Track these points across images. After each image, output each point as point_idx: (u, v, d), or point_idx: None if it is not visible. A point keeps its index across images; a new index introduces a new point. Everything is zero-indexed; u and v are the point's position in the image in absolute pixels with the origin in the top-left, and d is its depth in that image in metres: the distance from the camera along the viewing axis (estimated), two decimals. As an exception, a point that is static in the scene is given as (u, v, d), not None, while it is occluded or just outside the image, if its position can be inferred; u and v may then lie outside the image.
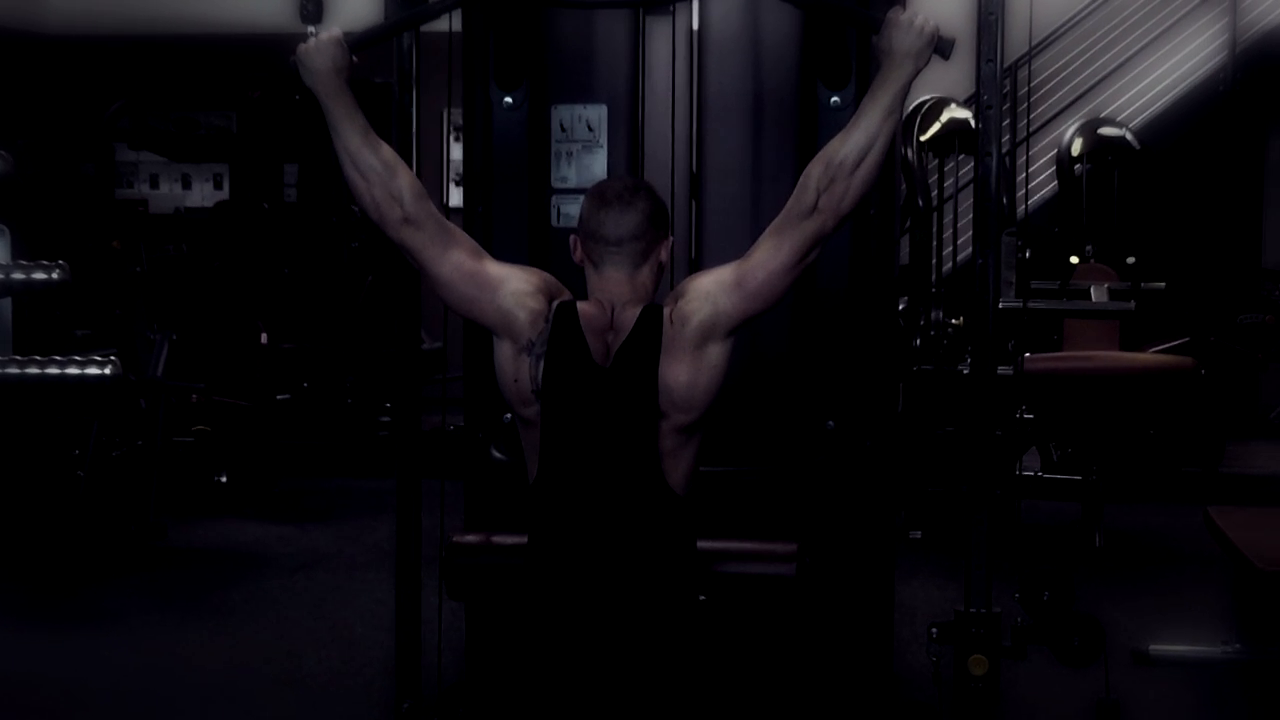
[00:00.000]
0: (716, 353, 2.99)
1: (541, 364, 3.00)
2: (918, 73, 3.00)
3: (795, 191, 3.00)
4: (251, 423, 8.01)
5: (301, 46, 3.05)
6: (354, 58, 3.09)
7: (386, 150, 3.07)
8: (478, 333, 3.87)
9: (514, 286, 3.05)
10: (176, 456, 7.43)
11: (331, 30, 3.08)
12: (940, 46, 3.01)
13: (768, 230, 3.02)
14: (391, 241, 3.10)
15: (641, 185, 3.16)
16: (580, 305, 3.06)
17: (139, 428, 6.80)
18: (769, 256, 2.99)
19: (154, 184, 11.28)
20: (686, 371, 2.98)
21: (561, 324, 3.02)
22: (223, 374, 8.13)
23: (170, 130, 10.90)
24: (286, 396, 8.57)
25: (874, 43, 3.01)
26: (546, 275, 3.13)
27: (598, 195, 3.10)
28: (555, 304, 3.04)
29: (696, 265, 3.98)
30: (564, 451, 3.02)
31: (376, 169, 3.04)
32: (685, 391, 2.98)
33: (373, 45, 3.19)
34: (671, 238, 3.17)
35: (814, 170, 2.99)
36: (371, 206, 3.07)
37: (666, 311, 3.02)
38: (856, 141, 2.97)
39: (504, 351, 3.04)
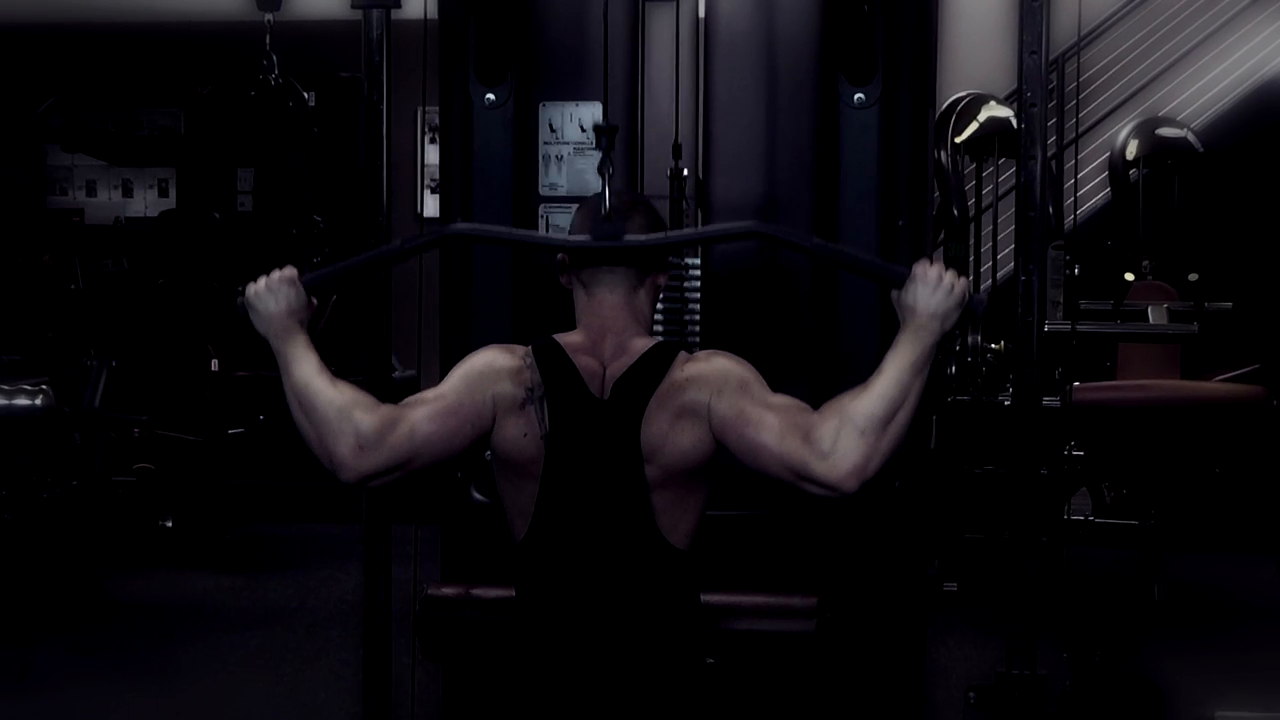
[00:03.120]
0: (695, 435, 3.00)
1: (545, 405, 3.02)
2: (944, 333, 2.96)
3: (805, 428, 2.91)
4: (200, 460, 8.01)
5: (250, 288, 3.09)
6: (312, 299, 3.11)
7: (343, 388, 3.04)
8: (455, 361, 3.89)
9: (476, 373, 3.07)
10: (116, 498, 7.43)
11: (285, 270, 3.11)
12: (972, 305, 2.98)
13: (784, 409, 2.96)
14: (357, 481, 3.05)
15: (638, 198, 3.20)
16: (562, 337, 3.10)
17: (74, 465, 6.80)
18: (768, 439, 2.93)
19: (91, 191, 11.30)
20: (665, 424, 3.01)
21: (548, 362, 3.06)
22: (168, 405, 8.13)
23: (109, 130, 10.92)
24: (240, 430, 8.58)
25: (894, 298, 3.00)
26: (491, 346, 3.16)
27: (589, 209, 3.13)
28: (529, 348, 3.08)
29: (703, 284, 3.99)
30: (561, 500, 3.04)
31: (328, 411, 3.00)
32: (655, 441, 3.01)
33: (331, 287, 3.19)
34: (671, 257, 3.19)
35: (826, 424, 2.89)
36: (321, 451, 3.04)
37: (681, 357, 3.05)
38: (886, 396, 2.90)
39: (506, 423, 3.05)
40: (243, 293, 3.12)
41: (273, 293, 3.09)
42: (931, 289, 2.94)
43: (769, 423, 2.94)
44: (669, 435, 3.00)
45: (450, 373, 3.11)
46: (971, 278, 7.58)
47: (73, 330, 7.27)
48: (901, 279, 2.98)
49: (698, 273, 3.98)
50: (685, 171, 4.01)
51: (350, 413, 3.00)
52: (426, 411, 3.03)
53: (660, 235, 3.13)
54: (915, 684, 4.15)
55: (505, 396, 3.05)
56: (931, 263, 2.98)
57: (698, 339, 3.99)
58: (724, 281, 4.02)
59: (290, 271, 3.11)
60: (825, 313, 3.99)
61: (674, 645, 3.05)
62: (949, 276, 2.95)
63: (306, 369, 3.04)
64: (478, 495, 4.06)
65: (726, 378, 3.01)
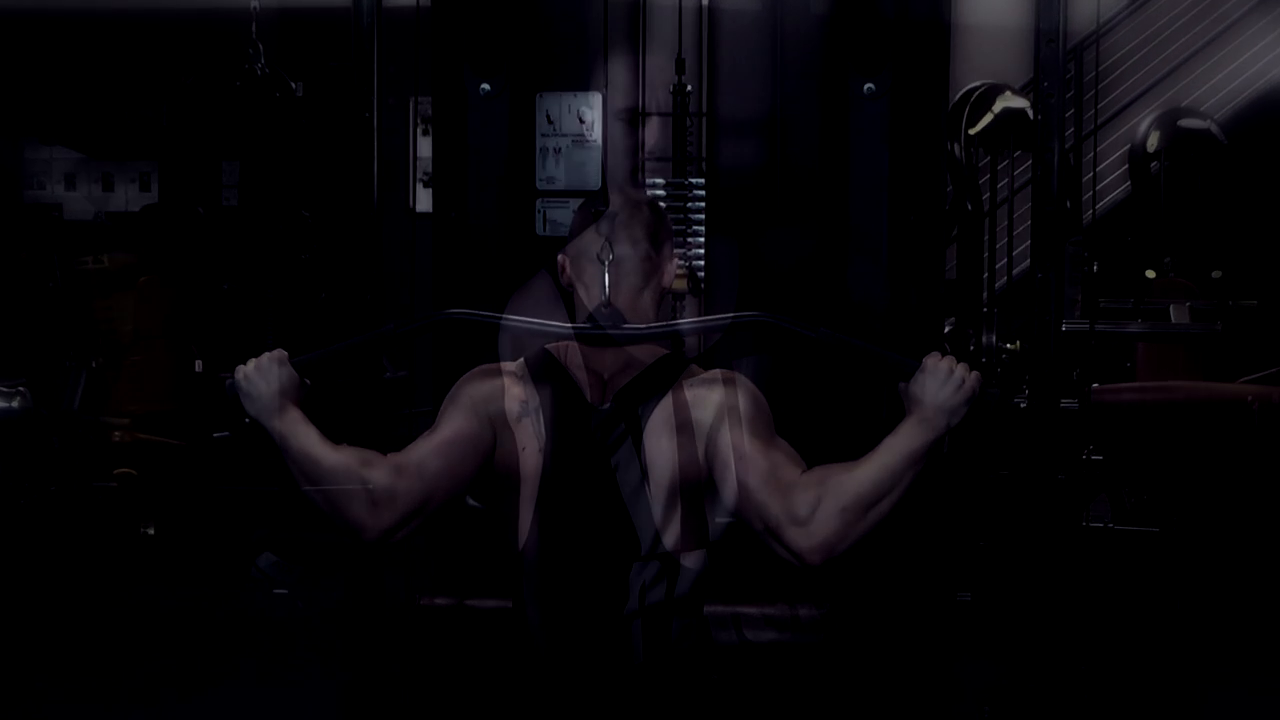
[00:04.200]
0: (692, 453, 3.02)
1: (541, 417, 3.04)
2: (950, 429, 2.94)
3: (788, 486, 2.92)
4: (184, 465, 8.01)
5: (240, 370, 3.10)
6: (305, 380, 3.12)
7: (346, 450, 3.06)
8: (448, 362, 3.89)
9: (467, 397, 3.11)
10: (95, 504, 7.42)
11: (275, 352, 3.12)
12: (984, 400, 2.96)
13: (777, 458, 2.97)
14: (380, 538, 3.07)
15: (641, 199, 3.21)
16: (557, 346, 3.12)
17: (52, 470, 6.80)
18: (752, 482, 2.95)
19: (70, 185, 11.31)
20: (665, 438, 3.03)
21: (542, 373, 3.09)
22: (151, 408, 8.13)
23: (89, 122, 10.92)
24: (225, 434, 8.58)
25: (901, 390, 3.00)
26: (478, 367, 3.18)
27: (588, 212, 3.15)
28: (522, 360, 3.10)
29: (709, 283, 3.99)
30: (561, 511, 3.05)
31: (334, 475, 3.02)
32: (654, 454, 3.03)
33: (322, 369, 3.20)
34: (676, 259, 3.20)
35: (809, 490, 2.90)
36: (337, 518, 3.06)
37: (690, 370, 3.06)
38: (876, 480, 2.88)
39: (504, 439, 3.07)
40: (231, 375, 3.12)
41: (262, 374, 3.09)
42: (940, 383, 2.93)
43: (759, 467, 2.95)
44: (667, 449, 3.01)
45: (442, 407, 3.14)
46: (986, 275, 7.57)
47: (51, 330, 7.26)
48: (911, 371, 2.96)
49: (702, 191, 3.99)
50: (689, 88, 4.02)
51: (357, 472, 3.00)
52: (429, 448, 3.04)
53: (662, 325, 3.16)
54: (928, 698, 4.15)
55: (501, 414, 3.06)
56: (943, 355, 2.97)
57: (702, 259, 4.01)
58: (728, 194, 4.02)
59: (280, 353, 3.11)
60: (833, 232, 4.00)
61: (676, 661, 3.06)
62: (960, 370, 2.93)
63: (305, 441, 3.04)
64: (471, 500, 4.06)
65: (734, 406, 3.01)
